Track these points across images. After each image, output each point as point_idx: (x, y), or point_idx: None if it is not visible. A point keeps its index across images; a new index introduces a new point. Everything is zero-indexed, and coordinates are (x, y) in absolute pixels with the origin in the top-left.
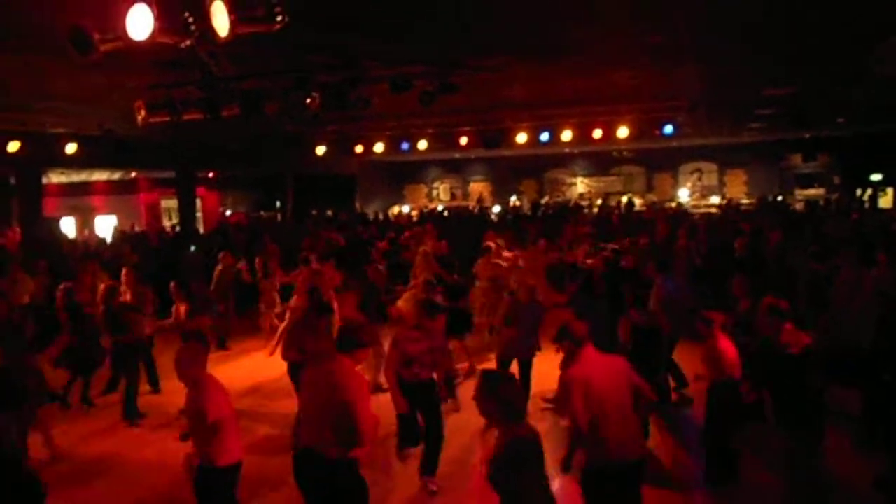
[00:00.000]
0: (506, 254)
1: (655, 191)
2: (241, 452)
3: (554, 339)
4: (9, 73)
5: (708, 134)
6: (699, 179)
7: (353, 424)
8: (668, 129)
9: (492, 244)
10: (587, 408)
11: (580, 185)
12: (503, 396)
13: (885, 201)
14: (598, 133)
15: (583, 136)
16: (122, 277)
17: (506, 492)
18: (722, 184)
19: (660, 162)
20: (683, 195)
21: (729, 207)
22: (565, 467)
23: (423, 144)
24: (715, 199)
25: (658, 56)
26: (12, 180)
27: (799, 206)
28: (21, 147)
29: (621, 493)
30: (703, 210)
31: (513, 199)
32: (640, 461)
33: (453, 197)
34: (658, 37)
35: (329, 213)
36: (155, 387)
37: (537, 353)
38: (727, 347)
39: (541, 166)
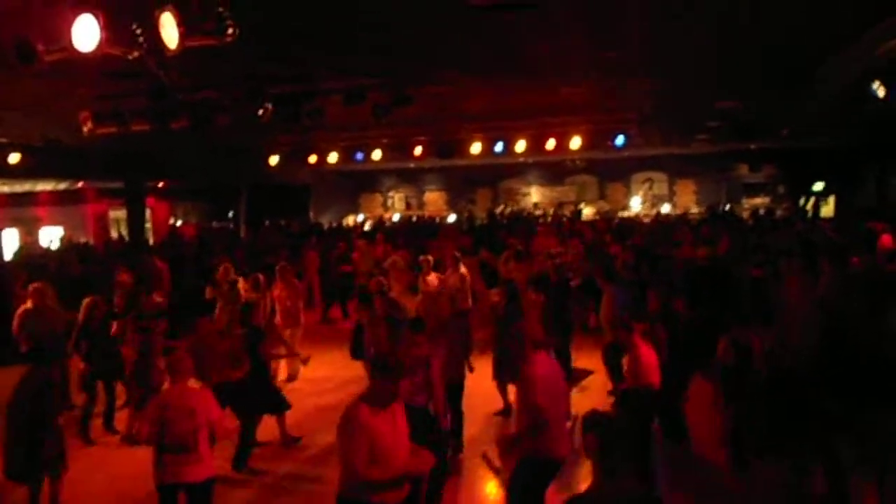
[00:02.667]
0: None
1: (608, 199)
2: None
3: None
4: None
5: (658, 145)
6: (650, 189)
7: None
8: (620, 140)
9: (429, 258)
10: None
11: (534, 195)
12: (596, 442)
13: (826, 210)
14: (551, 144)
15: (536, 146)
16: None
17: None
18: (672, 193)
19: (612, 172)
20: (635, 204)
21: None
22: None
23: (377, 155)
24: (666, 208)
25: (610, 70)
26: None
27: (745, 214)
28: None
29: (544, 487)
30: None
31: (466, 209)
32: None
33: (408, 206)
34: (611, 52)
35: (282, 222)
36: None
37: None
38: (647, 354)
39: (496, 176)
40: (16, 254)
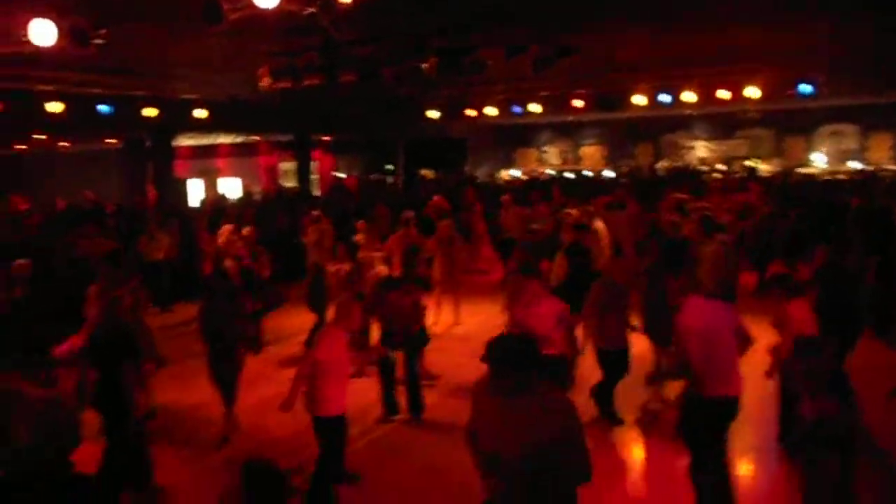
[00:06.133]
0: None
1: (785, 155)
2: None
3: None
4: (147, 42)
5: (847, 94)
6: (838, 143)
7: None
8: (806, 88)
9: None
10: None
11: (700, 150)
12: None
13: None
14: (724, 94)
15: (707, 97)
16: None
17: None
18: (864, 148)
19: (791, 124)
20: (818, 159)
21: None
22: None
23: (535, 108)
24: (856, 165)
25: (791, 7)
26: (147, 143)
27: None
28: (156, 113)
29: None
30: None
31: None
32: None
33: (564, 161)
34: None
35: (423, 173)
36: None
37: None
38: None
39: (658, 129)
40: (202, 202)
